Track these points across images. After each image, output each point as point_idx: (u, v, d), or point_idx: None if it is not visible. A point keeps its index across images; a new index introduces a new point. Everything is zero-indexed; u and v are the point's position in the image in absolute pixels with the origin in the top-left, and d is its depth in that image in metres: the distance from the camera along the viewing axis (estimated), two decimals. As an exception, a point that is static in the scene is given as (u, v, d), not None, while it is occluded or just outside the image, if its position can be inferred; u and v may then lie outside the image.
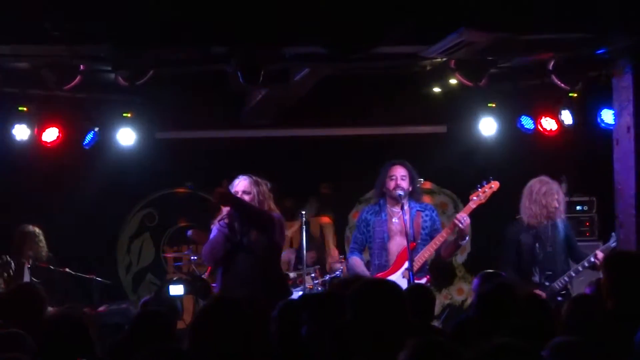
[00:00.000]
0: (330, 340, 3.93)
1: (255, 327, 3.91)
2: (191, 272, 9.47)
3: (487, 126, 8.98)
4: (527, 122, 8.86)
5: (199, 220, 8.81)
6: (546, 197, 7.33)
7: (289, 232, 8.81)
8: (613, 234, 7.15)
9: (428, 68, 7.58)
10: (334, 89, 8.63)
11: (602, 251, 7.13)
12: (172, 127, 10.13)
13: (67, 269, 8.64)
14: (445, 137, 10.24)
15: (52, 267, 8.46)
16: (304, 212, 8.11)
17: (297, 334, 4.16)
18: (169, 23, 5.92)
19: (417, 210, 7.32)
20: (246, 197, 6.73)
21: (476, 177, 7.57)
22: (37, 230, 8.52)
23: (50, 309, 5.55)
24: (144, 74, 6.75)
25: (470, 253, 10.53)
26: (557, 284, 7.20)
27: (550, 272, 7.26)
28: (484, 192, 7.29)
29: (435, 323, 7.34)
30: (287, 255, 8.94)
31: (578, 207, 9.60)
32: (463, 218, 7.09)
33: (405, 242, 7.07)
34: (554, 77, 7.21)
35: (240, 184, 6.82)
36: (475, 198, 7.28)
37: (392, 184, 7.27)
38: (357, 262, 7.40)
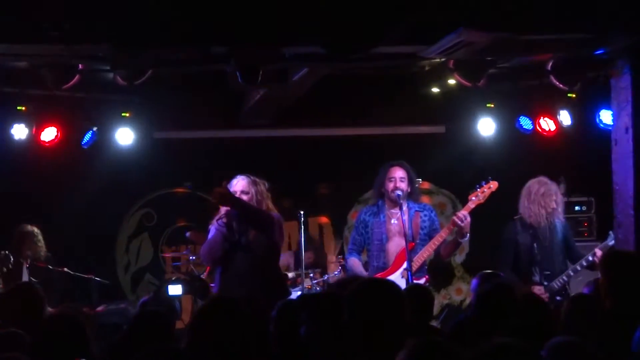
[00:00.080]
0: (328, 340, 3.93)
1: (254, 327, 3.91)
2: (190, 272, 9.47)
3: (486, 126, 8.99)
4: (525, 123, 8.87)
5: (198, 220, 8.81)
6: (544, 198, 7.34)
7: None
8: (611, 232, 7.16)
9: (427, 68, 7.57)
10: (333, 89, 8.63)
11: (600, 249, 7.15)
12: (170, 126, 10.13)
13: (66, 269, 8.64)
14: (443, 137, 10.25)
15: (50, 267, 8.45)
16: (302, 212, 8.12)
17: (295, 334, 4.16)
18: (168, 23, 5.91)
19: (416, 211, 7.32)
20: (244, 197, 6.73)
21: (475, 177, 7.58)
22: (35, 229, 8.51)
23: (48, 309, 5.54)
24: (143, 74, 6.75)
25: (469, 253, 10.53)
26: (556, 284, 7.21)
27: (549, 272, 7.27)
28: (483, 192, 7.30)
29: (434, 323, 7.34)
30: (285, 258, 8.94)
31: (576, 208, 9.60)
32: (463, 216, 7.09)
33: (404, 243, 7.08)
34: (552, 77, 7.21)
35: (239, 184, 6.81)
36: (474, 198, 7.28)
37: (390, 186, 7.27)
38: (356, 264, 7.40)
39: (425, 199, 9.21)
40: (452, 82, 7.76)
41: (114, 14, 5.86)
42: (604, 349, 3.83)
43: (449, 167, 10.08)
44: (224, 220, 6.74)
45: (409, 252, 6.99)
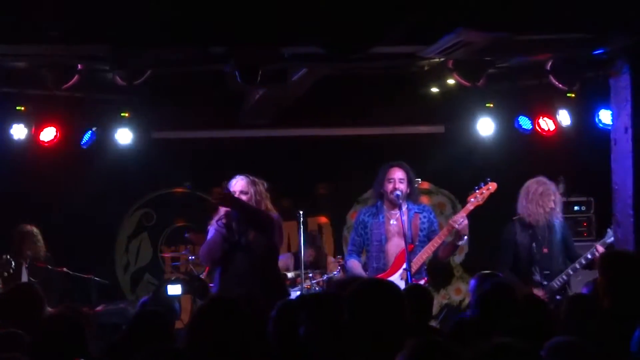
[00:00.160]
0: (328, 341, 3.93)
1: (253, 326, 3.91)
2: (189, 272, 9.47)
3: (485, 126, 8.99)
4: (524, 123, 8.87)
5: (197, 220, 8.81)
6: (543, 198, 7.35)
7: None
8: (608, 229, 7.18)
9: (426, 68, 7.57)
10: (332, 89, 8.62)
11: (600, 245, 7.16)
12: (170, 127, 10.13)
13: (65, 269, 8.64)
14: (443, 137, 10.25)
15: (49, 267, 8.45)
16: (301, 212, 8.12)
17: (295, 334, 4.16)
18: (167, 23, 5.91)
19: (415, 212, 7.32)
20: (243, 197, 6.73)
21: (474, 177, 7.58)
22: (34, 229, 8.51)
23: (48, 309, 5.54)
24: (142, 74, 6.75)
25: (468, 253, 10.54)
26: (556, 283, 7.22)
27: (548, 272, 7.28)
28: (482, 193, 7.30)
29: (433, 323, 7.34)
30: (284, 260, 8.94)
31: (576, 208, 9.61)
32: (460, 219, 7.09)
33: (403, 244, 7.08)
34: (551, 77, 7.20)
35: (238, 184, 6.81)
36: (472, 200, 7.28)
37: (390, 187, 7.26)
38: (355, 265, 7.39)
39: (424, 199, 9.22)
40: (451, 82, 7.75)
41: (113, 14, 5.85)
42: (602, 349, 3.83)
43: (449, 167, 10.08)
44: (224, 221, 6.74)
45: (409, 253, 6.99)
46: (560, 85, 7.27)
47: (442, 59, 6.95)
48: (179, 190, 10.36)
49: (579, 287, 6.91)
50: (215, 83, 7.90)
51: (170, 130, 10.18)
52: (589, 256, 7.16)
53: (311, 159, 10.34)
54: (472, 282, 5.87)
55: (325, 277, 8.71)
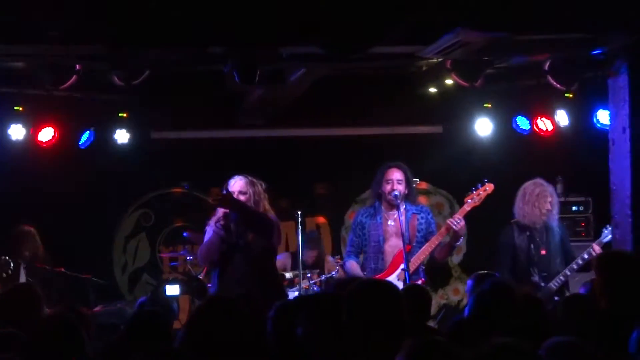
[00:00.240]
0: (326, 341, 3.93)
1: (251, 327, 3.91)
2: (187, 272, 9.47)
3: (483, 126, 8.99)
4: (522, 123, 8.87)
5: (196, 220, 8.81)
6: (539, 199, 7.35)
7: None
8: (604, 229, 7.19)
9: (424, 68, 7.58)
10: (330, 89, 8.63)
11: (597, 244, 7.17)
12: (168, 127, 10.12)
13: (63, 269, 8.63)
14: (441, 138, 10.25)
15: (47, 267, 8.45)
16: (299, 212, 8.12)
17: (293, 335, 4.16)
18: (166, 23, 5.91)
19: (413, 213, 7.32)
20: (242, 197, 6.73)
21: (472, 177, 7.58)
22: (32, 230, 8.50)
23: (46, 309, 5.54)
24: (140, 74, 6.75)
25: (466, 253, 10.53)
26: (554, 284, 7.22)
27: (546, 274, 7.29)
28: (479, 194, 7.30)
29: (431, 323, 7.34)
30: (282, 260, 8.93)
31: (574, 208, 9.61)
32: (457, 220, 7.09)
33: (400, 244, 7.08)
34: (549, 77, 7.21)
35: (237, 184, 6.81)
36: (469, 201, 7.29)
37: (388, 188, 7.26)
38: (354, 266, 7.39)
39: (422, 199, 9.22)
40: (449, 82, 7.75)
41: (111, 14, 5.85)
42: (600, 349, 3.83)
43: (447, 167, 10.07)
44: (222, 222, 6.74)
45: (407, 253, 6.99)
46: (558, 86, 7.28)
47: (440, 59, 6.96)
48: (178, 190, 10.36)
49: (577, 287, 6.91)
50: (214, 83, 7.90)
51: (168, 130, 10.17)
52: (586, 256, 7.16)
53: (309, 159, 10.34)
54: (469, 282, 5.86)
55: (323, 277, 8.70)
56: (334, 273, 8.67)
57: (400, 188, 7.24)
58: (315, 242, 9.31)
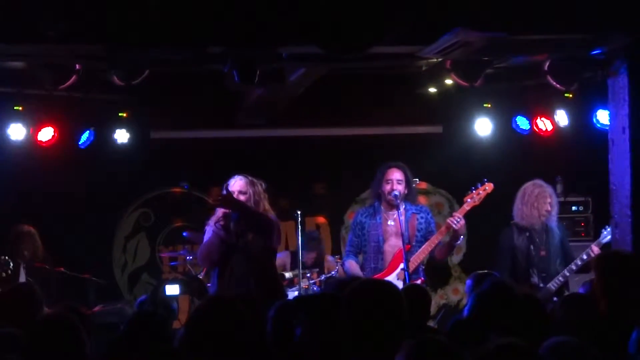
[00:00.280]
0: (326, 341, 3.93)
1: (251, 327, 3.91)
2: (187, 272, 9.47)
3: (483, 126, 8.99)
4: (522, 123, 8.87)
5: (195, 220, 8.81)
6: (538, 200, 7.36)
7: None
8: (603, 230, 7.19)
9: (424, 68, 7.58)
10: (329, 89, 8.63)
11: (596, 245, 7.17)
12: (167, 126, 10.12)
13: (63, 269, 8.64)
14: (440, 138, 10.25)
15: (47, 267, 8.45)
16: (299, 212, 8.12)
17: (293, 335, 4.16)
18: (165, 23, 5.91)
19: (413, 213, 7.32)
20: (242, 197, 6.73)
21: (472, 177, 7.58)
22: (32, 230, 8.51)
23: (45, 309, 5.54)
24: (140, 74, 6.74)
25: (466, 253, 10.54)
26: (553, 285, 7.22)
27: (545, 275, 7.29)
28: (478, 194, 7.30)
29: (431, 323, 7.35)
30: (282, 258, 8.93)
31: (573, 208, 9.62)
32: (457, 219, 7.09)
33: (400, 244, 7.08)
34: (549, 77, 7.20)
35: (236, 184, 6.81)
36: (469, 200, 7.29)
37: (387, 188, 7.26)
38: (353, 266, 7.39)
39: (422, 199, 9.22)
40: (449, 82, 7.75)
41: (111, 14, 5.85)
42: (600, 349, 3.83)
43: (446, 167, 10.07)
44: (221, 222, 6.73)
45: (406, 253, 6.99)
46: (558, 86, 7.27)
47: (440, 59, 6.95)
48: (177, 190, 10.36)
49: (577, 288, 6.91)
50: (213, 83, 7.90)
51: (168, 130, 10.17)
52: (585, 257, 7.16)
53: (309, 159, 10.35)
54: (469, 282, 5.86)
55: (323, 277, 8.71)
56: (333, 273, 8.67)
57: (400, 188, 7.24)
58: (315, 243, 9.31)
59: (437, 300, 10.36)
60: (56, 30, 5.83)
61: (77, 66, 6.81)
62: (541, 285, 7.24)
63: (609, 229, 6.99)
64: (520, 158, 9.48)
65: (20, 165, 9.37)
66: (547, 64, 7.12)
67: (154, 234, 10.71)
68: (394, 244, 7.22)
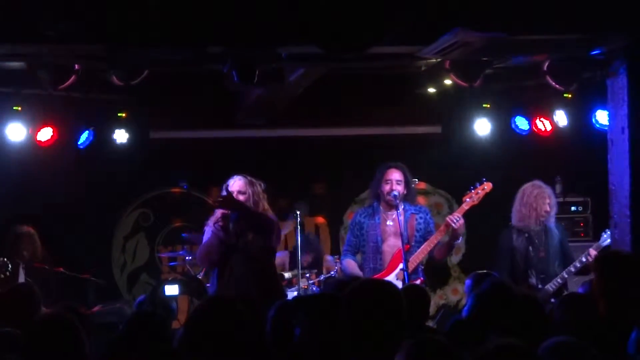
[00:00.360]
0: (326, 341, 3.93)
1: (250, 327, 3.91)
2: (186, 272, 9.47)
3: (482, 127, 8.99)
4: (521, 123, 8.87)
5: (194, 220, 8.81)
6: (537, 201, 7.35)
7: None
8: (603, 233, 7.18)
9: (423, 68, 7.57)
10: (329, 89, 8.63)
11: (594, 249, 7.16)
12: (167, 127, 10.12)
13: (62, 269, 8.63)
14: (439, 138, 10.25)
15: (46, 267, 8.45)
16: (298, 213, 8.12)
17: (292, 335, 4.16)
18: (165, 23, 5.91)
19: (412, 213, 7.33)
20: (241, 197, 6.73)
21: (471, 177, 7.58)
22: (31, 230, 8.51)
23: (44, 309, 5.54)
24: (139, 74, 6.74)
25: (465, 253, 10.54)
26: (551, 286, 7.22)
27: (544, 276, 7.28)
28: (477, 193, 7.30)
29: (430, 323, 7.34)
30: (281, 258, 8.94)
31: (573, 208, 9.62)
32: (456, 218, 7.09)
33: (399, 244, 7.08)
34: (548, 77, 7.20)
35: (236, 184, 6.81)
36: (468, 200, 7.29)
37: (387, 188, 7.27)
38: (351, 264, 7.40)
39: (421, 199, 9.22)
40: (448, 82, 7.75)
41: (110, 14, 5.85)
42: (599, 349, 3.83)
43: (445, 168, 10.08)
44: (221, 223, 6.74)
45: (405, 253, 6.99)
46: (557, 86, 7.27)
47: (439, 60, 6.95)
48: (177, 190, 10.36)
49: (576, 289, 6.91)
50: (213, 83, 7.90)
51: (167, 130, 10.17)
52: (583, 259, 7.15)
53: (308, 159, 10.35)
54: (468, 282, 5.87)
55: (322, 277, 8.71)
56: (333, 273, 8.68)
57: (399, 188, 7.24)
58: (312, 245, 9.30)
59: (436, 300, 10.36)
60: (56, 30, 5.83)
61: (77, 66, 6.81)
62: (539, 286, 7.23)
63: (608, 232, 6.99)
64: (519, 158, 9.48)
65: (20, 166, 9.36)
66: (547, 64, 7.12)
67: (153, 234, 10.71)
68: (392, 244, 7.22)
